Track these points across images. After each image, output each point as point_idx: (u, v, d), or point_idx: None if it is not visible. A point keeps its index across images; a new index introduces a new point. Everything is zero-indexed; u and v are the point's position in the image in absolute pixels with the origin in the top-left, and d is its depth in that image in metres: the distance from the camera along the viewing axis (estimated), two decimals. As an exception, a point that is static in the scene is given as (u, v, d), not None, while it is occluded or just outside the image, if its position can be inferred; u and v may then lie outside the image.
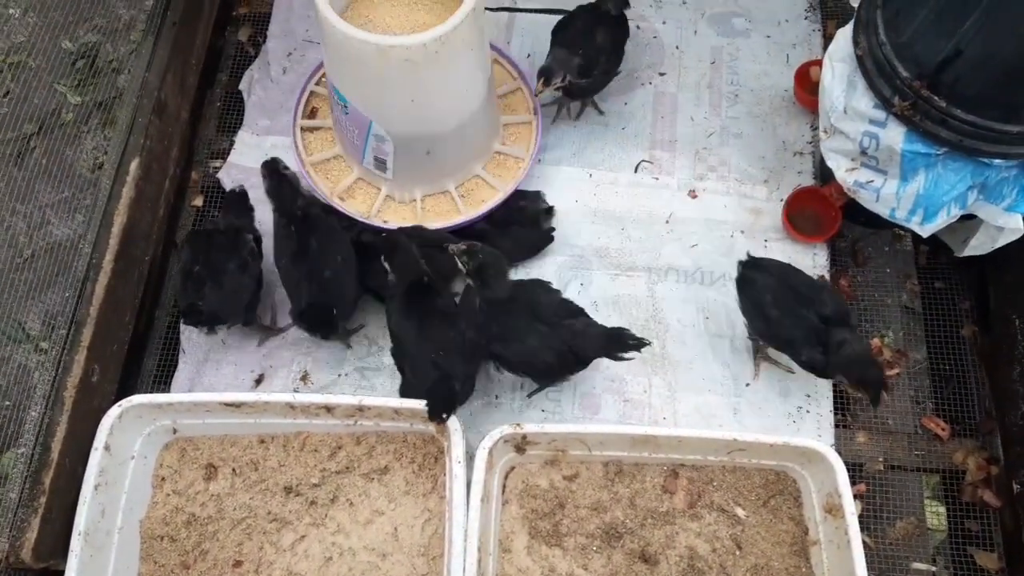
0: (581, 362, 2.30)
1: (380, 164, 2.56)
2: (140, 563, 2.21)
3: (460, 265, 2.23)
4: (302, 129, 2.75)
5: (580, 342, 2.23)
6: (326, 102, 2.79)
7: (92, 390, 2.35)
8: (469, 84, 2.46)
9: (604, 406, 2.49)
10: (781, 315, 2.25)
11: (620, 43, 2.77)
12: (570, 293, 2.62)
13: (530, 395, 2.49)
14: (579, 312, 2.30)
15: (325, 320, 2.36)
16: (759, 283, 2.31)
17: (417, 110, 2.39)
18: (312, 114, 2.79)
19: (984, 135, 2.06)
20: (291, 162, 2.59)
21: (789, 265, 2.37)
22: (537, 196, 2.72)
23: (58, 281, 2.50)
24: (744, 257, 2.39)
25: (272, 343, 2.58)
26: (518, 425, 2.20)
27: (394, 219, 2.63)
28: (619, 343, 2.22)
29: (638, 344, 2.20)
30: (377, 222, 2.61)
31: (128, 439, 2.25)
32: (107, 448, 2.17)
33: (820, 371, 2.26)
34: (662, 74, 2.98)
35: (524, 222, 2.66)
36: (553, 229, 2.67)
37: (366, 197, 2.68)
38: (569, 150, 2.86)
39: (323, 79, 2.82)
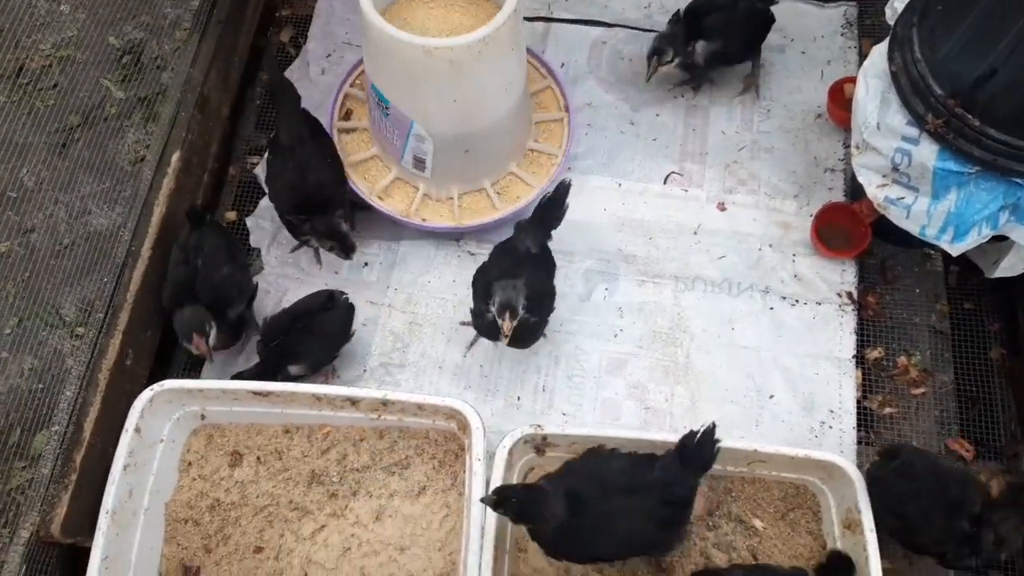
0: None
1: (419, 164, 2.61)
2: (164, 544, 2.26)
3: None
4: (338, 131, 2.80)
5: None
6: (360, 104, 2.85)
7: (125, 373, 2.41)
8: (508, 83, 2.50)
9: (625, 412, 2.50)
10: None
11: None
12: (595, 298, 2.65)
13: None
14: None
15: None
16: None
17: (459, 110, 2.45)
18: (347, 116, 2.85)
19: (1018, 155, 2.06)
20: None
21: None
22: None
23: (95, 270, 2.56)
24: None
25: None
26: (539, 426, 2.22)
27: (432, 217, 2.69)
28: None
29: None
30: (416, 220, 2.67)
31: (158, 423, 2.30)
32: (137, 430, 2.22)
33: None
34: (695, 87, 3.00)
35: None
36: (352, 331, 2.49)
37: (404, 196, 2.73)
38: (599, 159, 2.89)
39: (357, 81, 2.88)
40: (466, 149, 2.56)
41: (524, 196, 2.71)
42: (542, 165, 2.78)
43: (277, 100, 2.66)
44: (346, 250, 2.56)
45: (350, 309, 2.47)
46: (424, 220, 2.68)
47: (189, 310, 2.36)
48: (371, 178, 2.75)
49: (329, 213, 2.53)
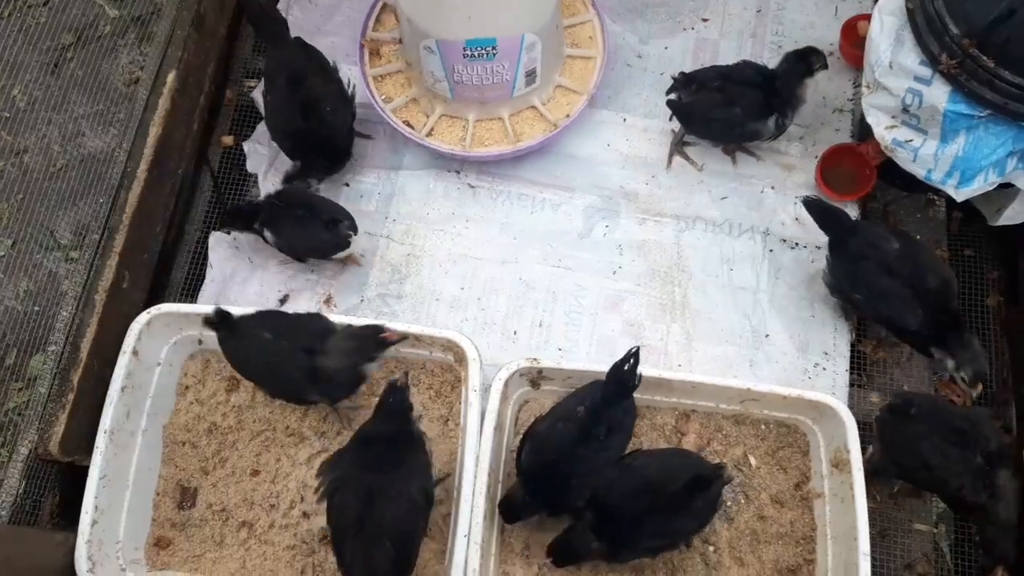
0: None
1: (531, 77, 2.58)
2: (162, 466, 2.29)
3: None
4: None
5: None
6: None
7: (122, 296, 2.40)
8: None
9: (620, 349, 2.46)
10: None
11: None
12: (595, 235, 2.63)
13: None
14: None
15: None
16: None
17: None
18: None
19: (1030, 99, 2.02)
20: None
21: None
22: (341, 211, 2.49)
23: (89, 192, 2.53)
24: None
25: (297, 266, 2.61)
26: (535, 360, 2.23)
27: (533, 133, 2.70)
28: None
29: None
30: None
31: (155, 346, 2.30)
32: (135, 353, 2.23)
33: None
34: (705, 20, 2.92)
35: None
36: (348, 237, 2.43)
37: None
38: (604, 93, 2.83)
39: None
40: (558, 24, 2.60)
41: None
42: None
43: (262, 34, 2.57)
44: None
45: (340, 242, 2.43)
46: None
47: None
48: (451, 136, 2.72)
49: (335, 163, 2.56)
